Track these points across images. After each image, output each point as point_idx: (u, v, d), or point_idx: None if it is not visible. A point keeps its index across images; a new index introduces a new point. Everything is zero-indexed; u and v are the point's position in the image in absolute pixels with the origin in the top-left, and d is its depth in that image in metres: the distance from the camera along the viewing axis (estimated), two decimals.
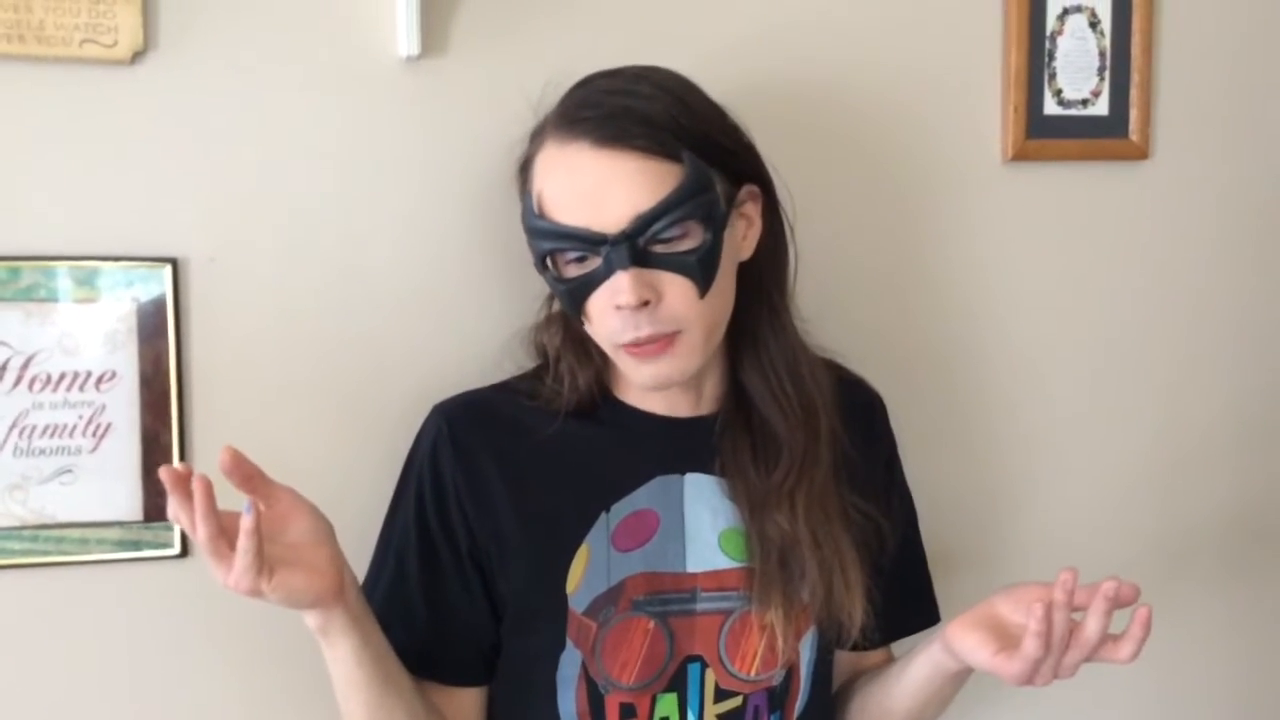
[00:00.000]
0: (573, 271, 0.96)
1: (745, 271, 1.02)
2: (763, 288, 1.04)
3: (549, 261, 0.97)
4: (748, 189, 1.00)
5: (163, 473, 0.83)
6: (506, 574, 1.02)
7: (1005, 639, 0.95)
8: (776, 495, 1.01)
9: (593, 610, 1.01)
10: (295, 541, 0.89)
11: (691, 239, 0.94)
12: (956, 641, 0.97)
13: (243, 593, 0.84)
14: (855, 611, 1.01)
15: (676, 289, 0.94)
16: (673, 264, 0.94)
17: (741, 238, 1.01)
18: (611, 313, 0.95)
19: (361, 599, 0.95)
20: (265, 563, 0.83)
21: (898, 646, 1.18)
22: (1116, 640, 0.92)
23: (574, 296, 0.97)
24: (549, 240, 0.96)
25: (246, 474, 0.87)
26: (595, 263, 0.94)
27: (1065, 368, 1.38)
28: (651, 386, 0.99)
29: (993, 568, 1.34)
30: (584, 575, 1.01)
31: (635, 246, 0.92)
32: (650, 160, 0.92)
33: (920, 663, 1.06)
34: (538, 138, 0.99)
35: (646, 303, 0.93)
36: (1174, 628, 1.43)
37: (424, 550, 1.03)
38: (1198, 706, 1.48)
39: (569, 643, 1.01)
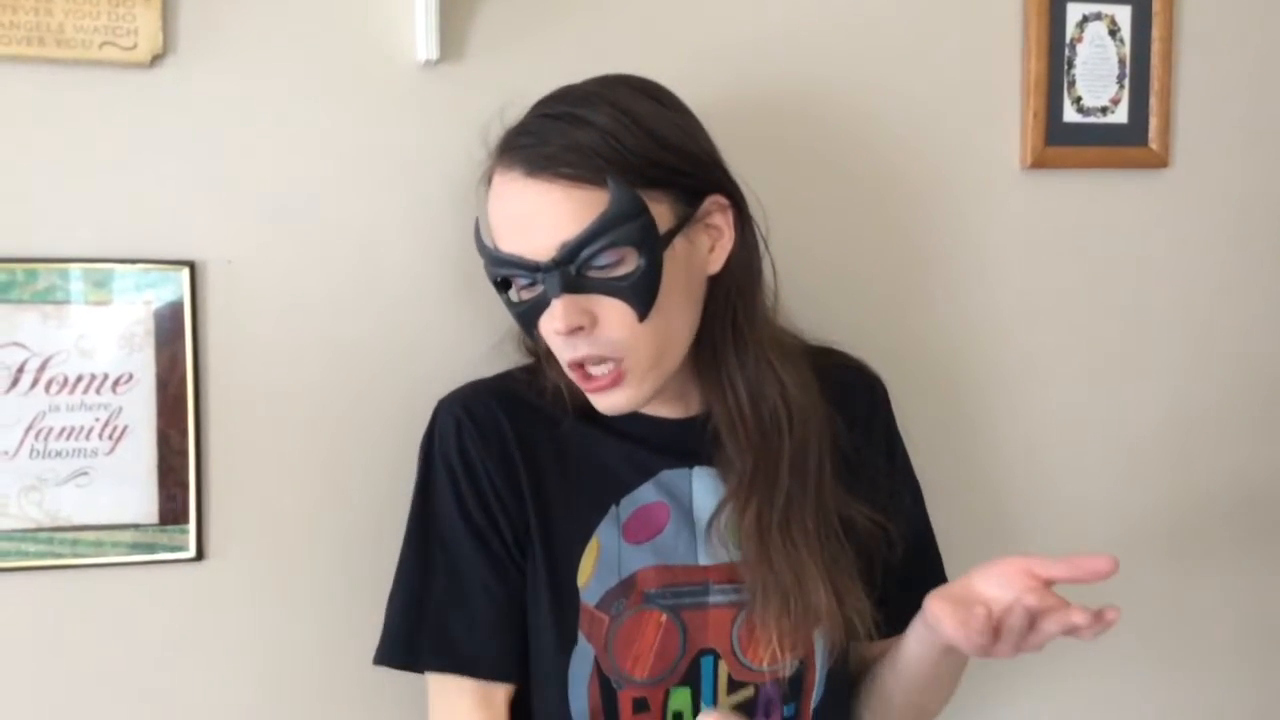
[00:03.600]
0: (525, 296, 0.98)
1: (715, 284, 1.01)
2: (728, 302, 1.02)
3: (507, 284, 0.99)
4: (713, 200, 0.99)
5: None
6: (528, 564, 1.02)
7: (972, 610, 0.93)
8: (723, 514, 1.02)
9: (604, 603, 1.01)
10: None
11: (626, 264, 0.94)
12: (929, 610, 0.96)
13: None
14: (823, 625, 1.01)
15: (613, 313, 0.95)
16: (608, 289, 0.94)
17: (709, 250, 1.00)
18: (554, 336, 0.97)
19: None
20: None
21: None
22: (1077, 623, 0.89)
23: (525, 320, 0.99)
24: (492, 265, 0.99)
25: None
26: (540, 288, 0.96)
27: (1082, 374, 1.37)
28: (608, 414, 1.00)
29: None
30: (595, 568, 1.01)
31: (567, 274, 0.93)
32: (575, 189, 0.93)
33: (912, 638, 1.05)
34: (492, 156, 1.00)
35: (581, 328, 0.94)
36: (1179, 624, 1.43)
37: (475, 542, 1.01)
38: (1207, 695, 1.47)
39: (580, 637, 1.00)
